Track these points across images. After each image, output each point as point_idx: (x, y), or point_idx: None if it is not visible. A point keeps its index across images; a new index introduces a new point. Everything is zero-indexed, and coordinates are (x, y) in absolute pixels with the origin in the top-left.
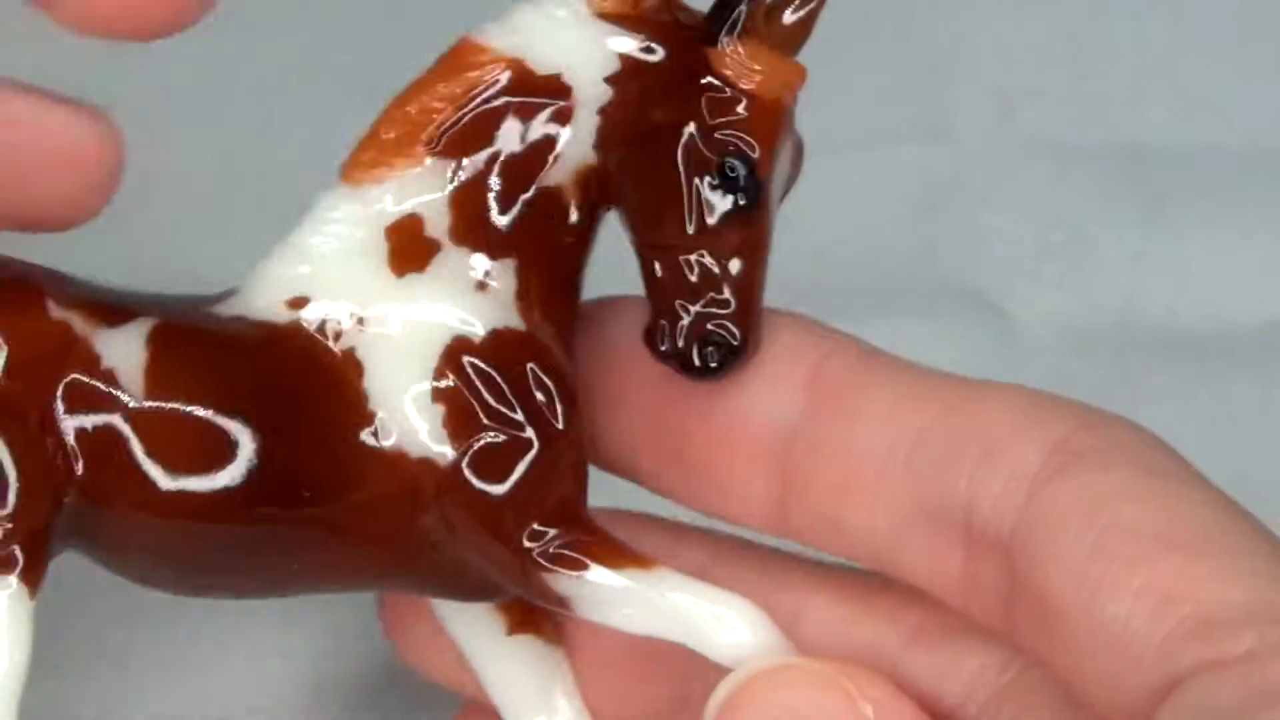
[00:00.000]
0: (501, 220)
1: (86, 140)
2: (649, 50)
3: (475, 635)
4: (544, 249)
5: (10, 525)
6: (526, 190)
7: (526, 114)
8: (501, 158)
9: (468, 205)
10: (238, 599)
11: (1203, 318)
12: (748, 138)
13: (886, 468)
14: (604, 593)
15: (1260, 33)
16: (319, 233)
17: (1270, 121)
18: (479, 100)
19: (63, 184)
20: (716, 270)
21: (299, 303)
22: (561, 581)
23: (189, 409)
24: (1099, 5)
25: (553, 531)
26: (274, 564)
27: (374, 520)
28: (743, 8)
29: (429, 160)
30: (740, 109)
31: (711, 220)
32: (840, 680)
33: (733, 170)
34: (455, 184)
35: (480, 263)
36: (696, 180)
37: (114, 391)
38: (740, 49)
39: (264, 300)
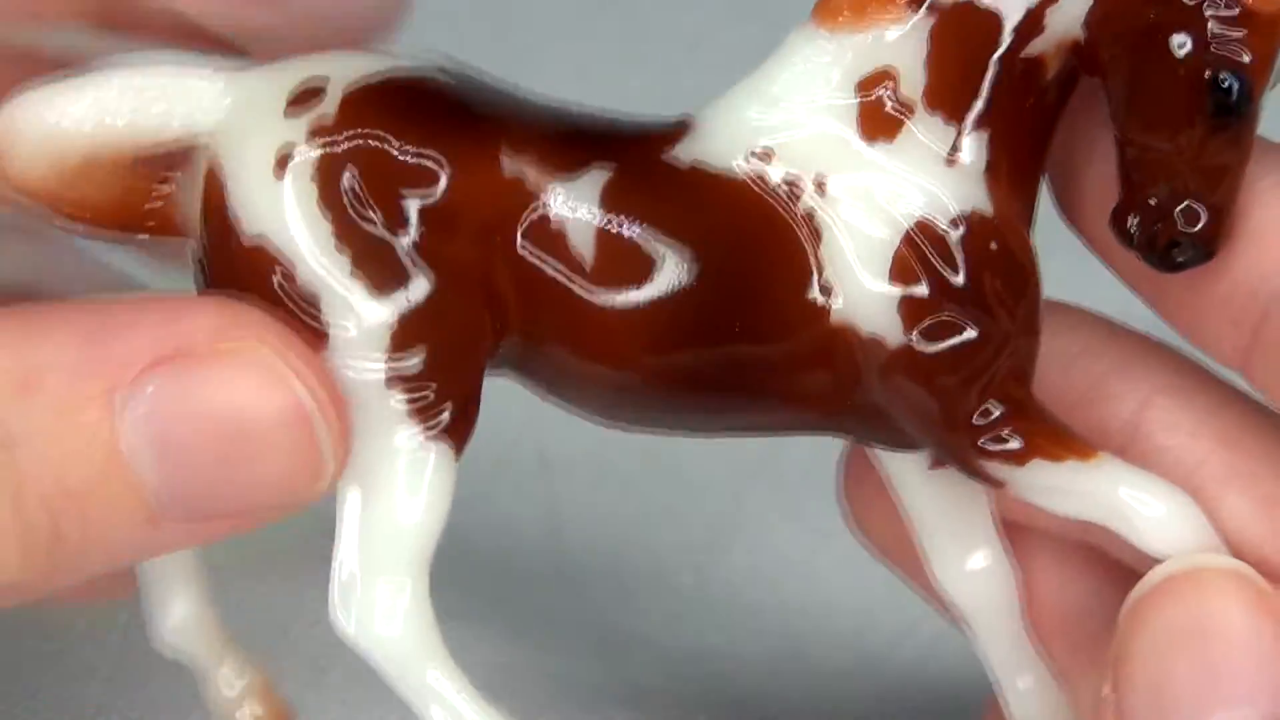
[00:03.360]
0: (979, 88)
1: None
2: None
3: (899, 462)
4: (1018, 121)
5: (443, 389)
6: (1010, 59)
7: None
8: (985, 21)
9: (946, 69)
10: (656, 434)
11: None
12: (1244, 50)
13: None
14: (1042, 481)
15: None
16: (784, 80)
17: (1270, 121)
18: None
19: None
20: (1197, 174)
21: (764, 156)
22: (1000, 469)
23: (643, 279)
24: None
25: (998, 415)
26: (697, 405)
27: (805, 381)
28: None
29: (910, 15)
30: (1239, 20)
31: (1200, 128)
32: (1272, 611)
33: (1226, 82)
34: (934, 44)
35: (951, 134)
36: (1189, 87)
37: (574, 253)
38: None
39: (724, 145)
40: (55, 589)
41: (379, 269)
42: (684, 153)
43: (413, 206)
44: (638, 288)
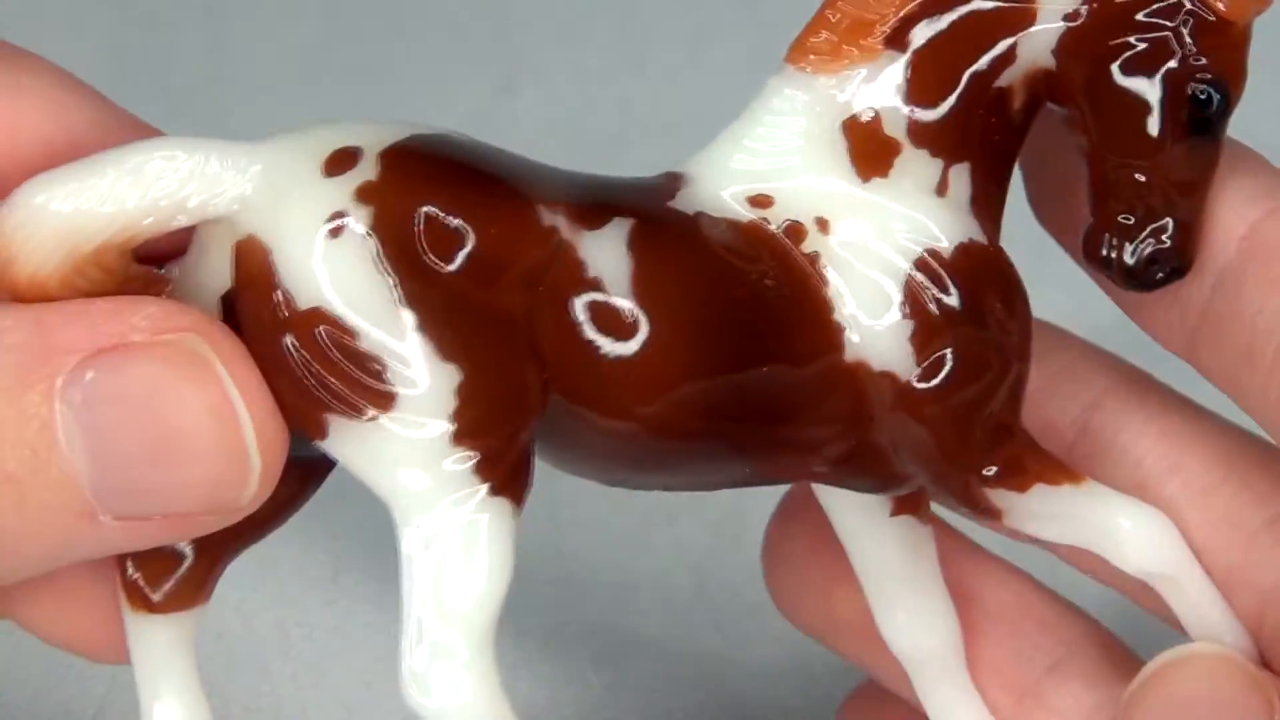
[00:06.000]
0: (955, 123)
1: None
2: None
3: (858, 514)
4: (990, 151)
5: (504, 444)
6: (984, 90)
7: (989, 13)
8: (961, 55)
9: (925, 104)
10: (659, 490)
11: None
12: (1222, 64)
13: None
14: (1041, 507)
15: (1260, 32)
16: (767, 123)
17: (1270, 121)
18: None
19: None
20: (1171, 190)
21: (762, 201)
22: (1002, 497)
23: (675, 317)
24: None
25: (1001, 442)
26: (717, 467)
27: (823, 428)
28: None
29: (885, 54)
30: (1216, 34)
31: (1176, 142)
32: (1258, 685)
33: (1204, 95)
34: (912, 81)
35: (939, 167)
36: (1166, 101)
37: (601, 298)
38: None
39: (720, 193)
40: None
41: (442, 326)
42: (685, 204)
43: (466, 261)
44: (670, 329)
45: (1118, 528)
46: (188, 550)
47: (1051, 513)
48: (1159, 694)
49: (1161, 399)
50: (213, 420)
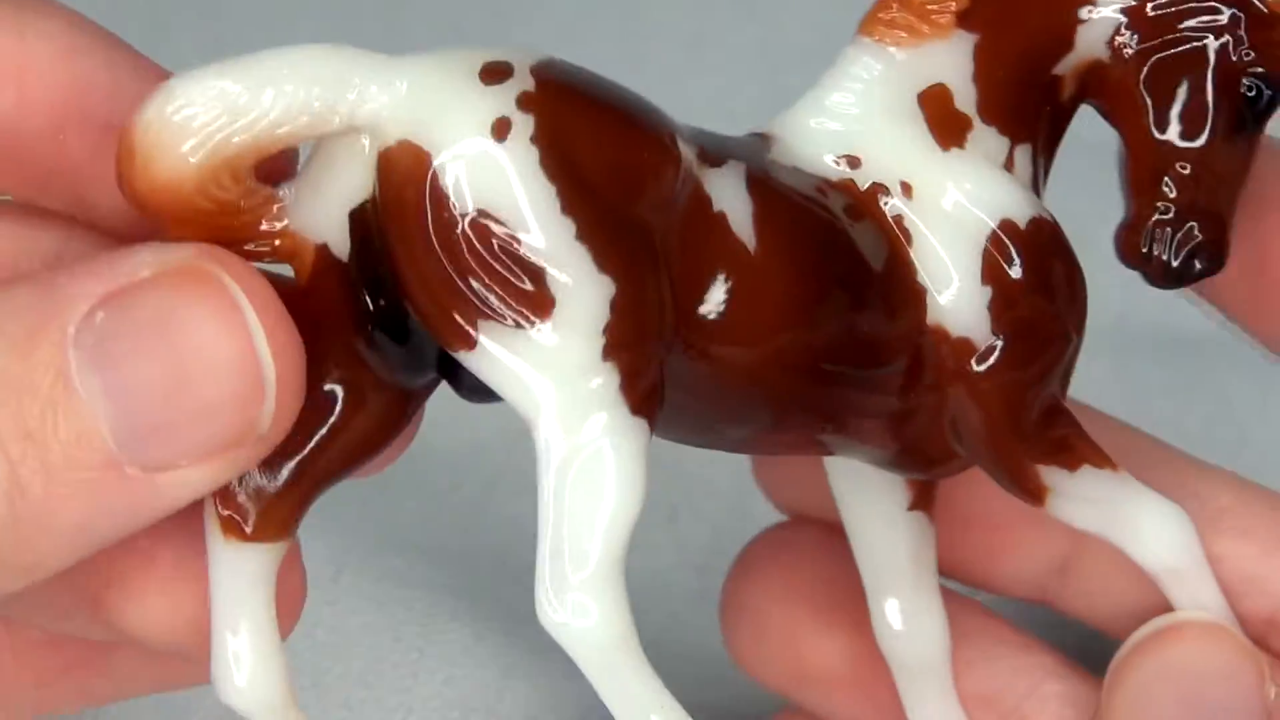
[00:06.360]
0: (1019, 104)
1: None
2: None
3: (875, 504)
4: (1045, 136)
5: (648, 360)
6: (1041, 76)
7: (1054, 1)
8: (1024, 41)
9: (991, 85)
10: (729, 450)
11: (1202, 316)
12: (1272, 59)
13: None
14: (1085, 489)
15: None
16: (845, 88)
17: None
18: None
19: None
20: (1212, 182)
21: (852, 161)
22: (1052, 474)
23: (789, 259)
24: None
25: (1057, 417)
26: (800, 423)
27: (897, 394)
28: None
29: (956, 32)
30: (1267, 28)
31: (1223, 134)
32: (1249, 653)
33: (1253, 90)
34: (980, 61)
35: (1005, 145)
36: (1217, 94)
37: (730, 234)
38: None
39: (810, 152)
40: (37, 572)
41: (599, 237)
42: (781, 158)
43: (618, 176)
44: (783, 270)
45: (1144, 521)
46: (282, 478)
47: (1093, 496)
48: (1149, 660)
49: (1211, 472)
50: (225, 335)
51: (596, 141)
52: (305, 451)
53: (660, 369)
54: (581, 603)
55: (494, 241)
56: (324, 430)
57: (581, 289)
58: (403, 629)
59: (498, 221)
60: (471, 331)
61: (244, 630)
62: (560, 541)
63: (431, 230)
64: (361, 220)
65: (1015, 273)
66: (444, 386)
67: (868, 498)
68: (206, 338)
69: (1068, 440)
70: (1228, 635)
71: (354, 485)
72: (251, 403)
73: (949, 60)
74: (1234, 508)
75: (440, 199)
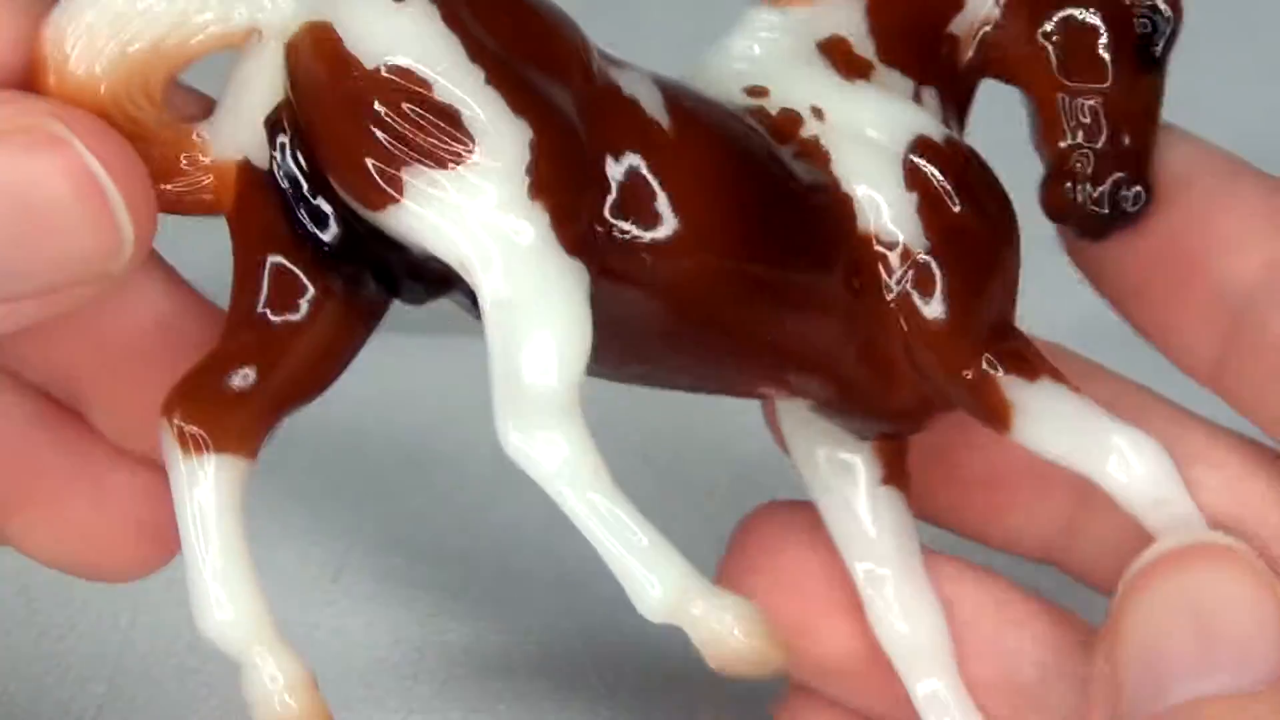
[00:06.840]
0: (920, 55)
1: None
2: None
3: (849, 485)
4: (950, 88)
5: (578, 200)
6: (936, 33)
7: None
8: (911, 3)
9: (888, 38)
10: (675, 389)
11: None
12: None
13: None
14: (1049, 405)
15: (1255, 33)
16: (749, 37)
17: (1267, 122)
18: None
19: None
20: (1125, 122)
21: (758, 92)
22: (1013, 386)
23: (713, 152)
24: None
25: (1006, 327)
26: (737, 317)
27: (834, 299)
28: None
29: None
30: None
31: (1126, 68)
32: (1269, 582)
33: (1148, 27)
34: (873, 18)
35: (910, 85)
36: (1113, 34)
37: (642, 114)
38: None
39: (717, 91)
40: None
41: (511, 81)
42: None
43: (522, 39)
44: (701, 150)
45: (1117, 447)
46: (238, 385)
47: (1059, 412)
48: (1166, 582)
49: (1180, 414)
50: (74, 192)
51: (495, 6)
52: (261, 362)
53: (591, 222)
54: (550, 438)
55: (406, 92)
56: (276, 341)
57: (498, 126)
58: (403, 629)
59: (407, 72)
60: (392, 189)
61: (218, 558)
62: (516, 376)
63: (344, 93)
64: (277, 124)
65: (938, 179)
66: (430, 401)
67: (842, 481)
68: (56, 197)
69: (1021, 353)
70: (1249, 561)
71: (354, 485)
72: (107, 257)
73: (844, 16)
74: (1209, 447)
75: (347, 63)
